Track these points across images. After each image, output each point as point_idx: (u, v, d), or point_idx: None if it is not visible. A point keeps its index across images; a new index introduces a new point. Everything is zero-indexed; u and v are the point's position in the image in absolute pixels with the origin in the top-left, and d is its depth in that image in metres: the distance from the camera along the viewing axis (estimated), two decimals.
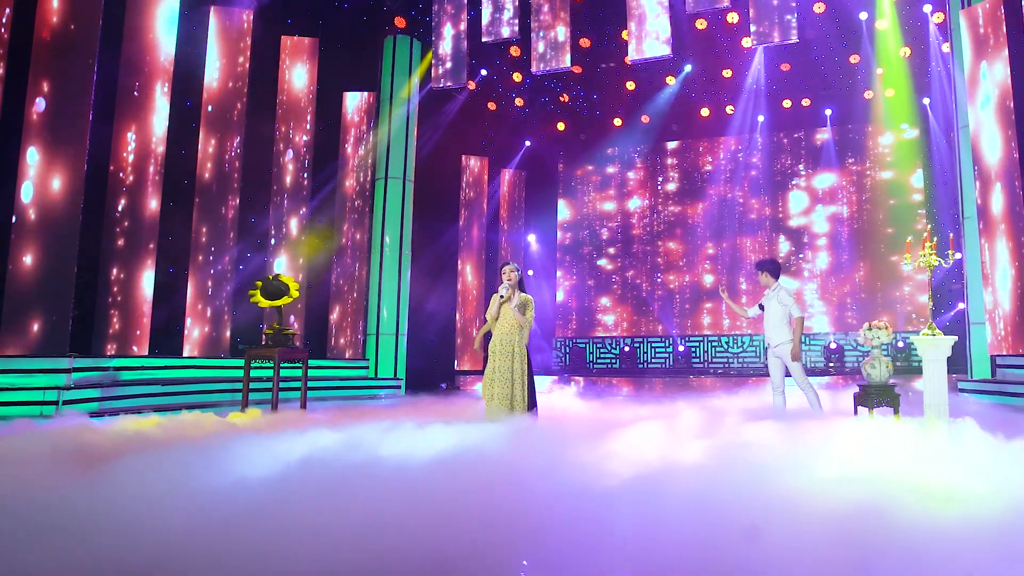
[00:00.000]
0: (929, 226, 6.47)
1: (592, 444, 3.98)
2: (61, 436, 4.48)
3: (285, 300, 8.65)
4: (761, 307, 7.35)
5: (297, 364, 9.15)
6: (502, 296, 6.56)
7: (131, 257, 10.06)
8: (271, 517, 2.50)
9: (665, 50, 9.75)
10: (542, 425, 5.25)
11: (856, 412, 6.07)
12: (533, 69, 10.65)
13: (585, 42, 12.68)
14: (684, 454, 3.92)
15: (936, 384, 5.48)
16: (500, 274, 6.73)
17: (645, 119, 16.31)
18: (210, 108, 11.36)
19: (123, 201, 10.06)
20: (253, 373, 11.03)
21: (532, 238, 17.63)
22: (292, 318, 11.84)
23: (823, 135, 15.76)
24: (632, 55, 10.05)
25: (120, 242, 10.01)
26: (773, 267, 7.36)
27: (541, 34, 10.39)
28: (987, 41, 9.12)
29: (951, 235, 5.87)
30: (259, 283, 8.78)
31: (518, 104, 16.01)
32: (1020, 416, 6.75)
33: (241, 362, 11.03)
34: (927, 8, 10.60)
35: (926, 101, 13.66)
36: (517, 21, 10.49)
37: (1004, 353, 8.73)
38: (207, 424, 5.92)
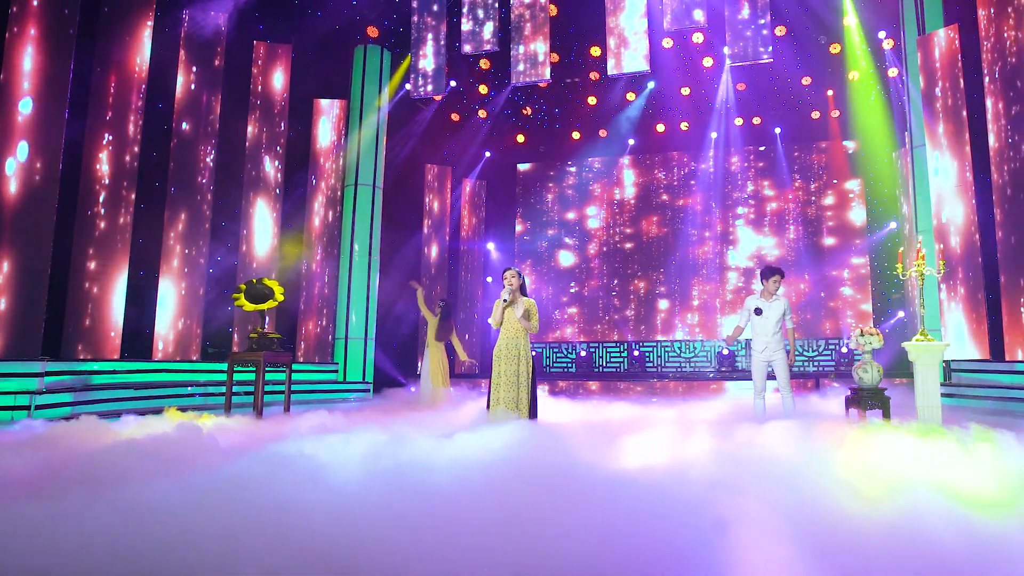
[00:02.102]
0: (920, 238, 6.57)
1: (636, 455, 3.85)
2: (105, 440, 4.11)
3: (270, 304, 8.30)
4: (758, 311, 7.06)
5: (280, 368, 8.79)
6: (505, 300, 6.41)
7: (103, 260, 9.57)
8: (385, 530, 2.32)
9: (643, 65, 9.78)
10: (575, 432, 5.06)
11: (847, 414, 6.12)
12: (512, 81, 10.56)
13: (554, 57, 12.64)
14: (723, 468, 3.76)
15: (929, 388, 5.55)
16: (501, 279, 6.58)
17: (603, 133, 16.39)
18: (183, 111, 10.91)
19: (95, 203, 9.57)
20: (217, 377, 10.64)
21: (491, 246, 17.50)
22: (267, 321, 11.42)
23: (772, 152, 16.08)
24: (611, 70, 10.05)
25: (92, 245, 9.51)
26: (782, 274, 7.19)
27: (521, 49, 10.30)
28: (942, 66, 9.43)
29: (940, 247, 5.99)
30: (243, 286, 8.40)
31: (481, 116, 15.90)
32: (985, 416, 6.93)
33: (214, 365, 10.68)
34: (881, 34, 10.93)
35: (871, 122, 14.06)
36: (495, 37, 10.41)
37: (957, 359, 8.98)
38: (231, 427, 5.56)
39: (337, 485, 2.91)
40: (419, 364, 15.04)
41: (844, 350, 14.47)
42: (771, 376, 7.17)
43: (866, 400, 5.94)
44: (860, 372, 6.01)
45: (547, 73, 10.22)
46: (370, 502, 2.71)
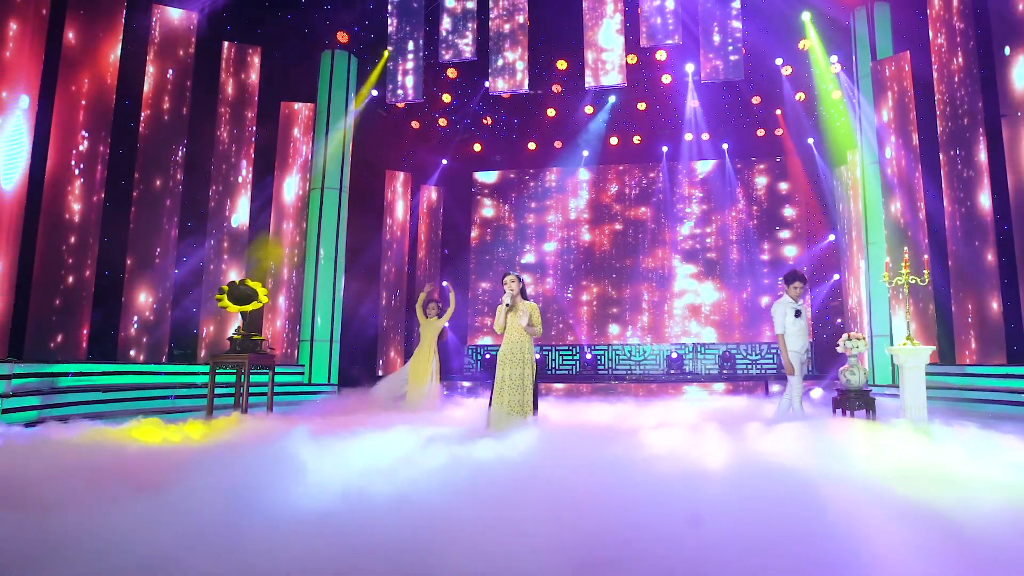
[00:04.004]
0: (905, 248, 6.77)
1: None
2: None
3: (254, 305, 7.97)
4: (798, 313, 6.85)
5: (262, 370, 8.44)
6: (508, 305, 6.32)
7: (68, 259, 9.01)
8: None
9: (619, 79, 9.85)
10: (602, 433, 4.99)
11: (834, 414, 6.24)
12: (490, 90, 10.45)
13: None
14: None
15: (915, 389, 5.70)
16: (501, 285, 6.48)
17: (558, 144, 16.46)
18: (151, 110, 10.42)
19: (61, 202, 9.00)
20: (188, 379, 10.17)
21: (447, 251, 17.33)
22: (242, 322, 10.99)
23: (720, 167, 16.42)
24: (589, 82, 10.07)
25: (57, 244, 8.94)
26: (804, 280, 7.00)
27: (500, 61, 10.21)
28: (892, 89, 9.81)
29: (926, 257, 6.19)
30: (225, 288, 8.04)
31: (442, 124, 15.72)
32: (946, 415, 7.18)
33: (188, 367, 10.21)
34: (833, 58, 11.30)
35: (810, 141, 14.54)
36: (473, 46, 10.33)
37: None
38: (258, 431, 5.25)
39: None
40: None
41: None
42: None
43: (853, 401, 6.07)
44: (847, 375, 6.14)
45: (526, 84, 10.18)
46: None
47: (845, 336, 6.19)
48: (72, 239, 9.05)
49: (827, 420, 5.53)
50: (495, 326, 6.37)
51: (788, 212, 16.11)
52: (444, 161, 16.87)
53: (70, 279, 9.04)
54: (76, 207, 9.12)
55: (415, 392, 9.12)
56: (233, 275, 11.32)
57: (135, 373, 9.46)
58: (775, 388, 11.87)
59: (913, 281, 5.84)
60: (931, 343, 9.09)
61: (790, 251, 15.95)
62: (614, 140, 16.10)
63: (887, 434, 4.47)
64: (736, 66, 9.61)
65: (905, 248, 6.54)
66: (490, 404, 6.32)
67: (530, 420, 5.90)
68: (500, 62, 10.18)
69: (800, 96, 13.22)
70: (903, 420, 5.62)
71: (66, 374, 8.51)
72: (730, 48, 9.55)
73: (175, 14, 10.67)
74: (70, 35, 9.10)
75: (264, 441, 3.83)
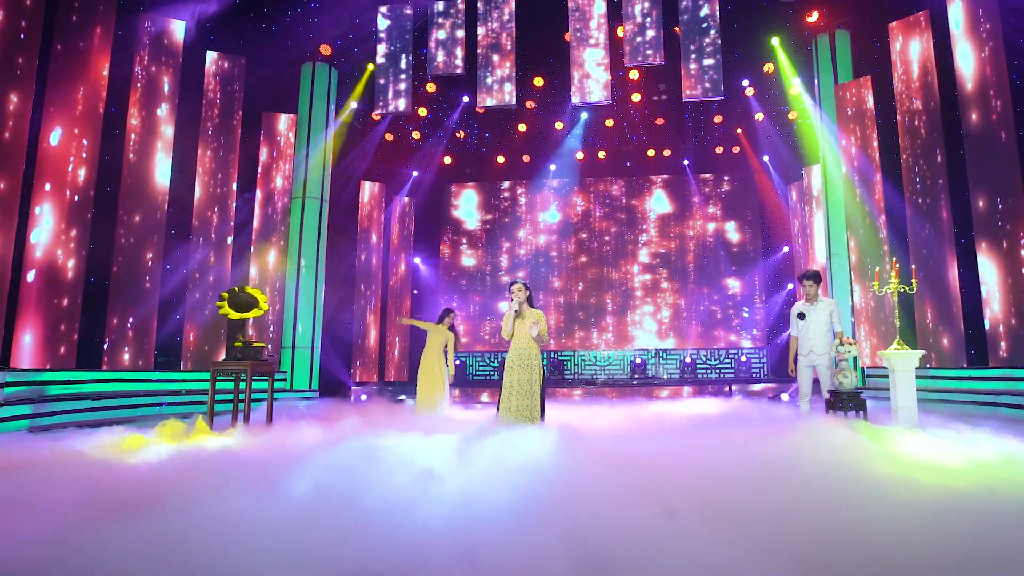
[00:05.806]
0: (895, 258, 6.96)
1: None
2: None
3: (255, 312, 7.71)
4: (802, 315, 6.72)
5: (263, 378, 8.16)
6: (516, 311, 6.28)
7: (57, 266, 8.59)
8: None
9: (604, 95, 9.92)
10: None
11: (827, 415, 6.36)
12: (479, 104, 10.40)
13: None
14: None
15: (905, 392, 5.87)
16: (509, 293, 6.43)
17: (526, 158, 16.50)
18: (136, 117, 10.04)
19: (47, 208, 8.58)
20: (176, 387, 9.81)
21: (418, 261, 17.18)
22: (229, 330, 10.67)
23: (682, 182, 16.70)
24: (575, 99, 10.12)
25: (45, 250, 8.52)
26: (820, 278, 6.85)
27: (488, 79, 10.17)
28: (854, 111, 10.14)
29: (913, 267, 6.38)
30: (225, 295, 7.75)
31: (415, 137, 15.59)
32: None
33: (175, 375, 9.86)
34: (796, 80, 11.59)
35: (766, 158, 14.90)
36: (462, 62, 10.29)
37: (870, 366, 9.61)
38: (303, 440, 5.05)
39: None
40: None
41: (744, 359, 15.17)
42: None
43: (846, 403, 6.21)
44: (840, 378, 6.27)
45: (513, 99, 10.17)
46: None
47: (837, 341, 6.34)
48: (61, 244, 8.65)
49: (840, 422, 5.61)
50: (503, 332, 6.31)
51: (745, 226, 16.46)
52: (415, 173, 16.73)
53: (59, 286, 8.63)
54: (65, 213, 8.71)
55: (429, 397, 8.85)
56: (219, 283, 11.00)
57: (126, 381, 9.09)
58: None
59: (902, 290, 6.02)
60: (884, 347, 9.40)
61: (746, 263, 16.28)
62: (580, 155, 16.22)
63: (904, 437, 4.59)
64: (715, 86, 9.79)
65: (895, 258, 6.75)
66: (498, 409, 6.24)
67: (538, 426, 5.84)
68: (489, 79, 10.15)
69: (759, 116, 13.54)
70: (900, 422, 5.78)
71: (56, 382, 8.13)
72: (705, 76, 9.73)
73: (165, 24, 10.33)
74: (58, 47, 8.73)
75: (330, 445, 3.69)
